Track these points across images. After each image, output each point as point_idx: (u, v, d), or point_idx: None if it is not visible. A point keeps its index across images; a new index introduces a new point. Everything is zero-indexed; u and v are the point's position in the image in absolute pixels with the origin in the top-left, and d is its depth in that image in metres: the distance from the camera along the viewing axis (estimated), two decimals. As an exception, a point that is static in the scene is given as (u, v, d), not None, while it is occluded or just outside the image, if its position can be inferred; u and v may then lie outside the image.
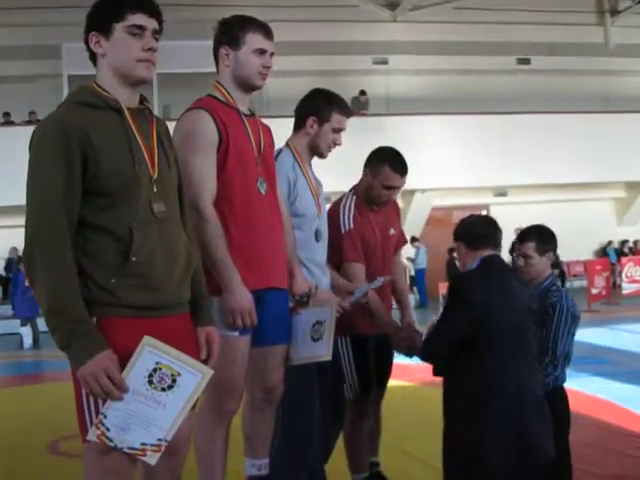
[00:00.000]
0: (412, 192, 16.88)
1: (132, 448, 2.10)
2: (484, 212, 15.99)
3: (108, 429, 2.07)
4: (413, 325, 3.81)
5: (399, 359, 3.77)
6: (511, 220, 12.98)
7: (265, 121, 3.09)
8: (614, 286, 16.38)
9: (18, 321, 13.36)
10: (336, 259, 3.61)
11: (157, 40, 2.25)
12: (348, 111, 3.42)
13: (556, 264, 13.57)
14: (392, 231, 3.92)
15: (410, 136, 15.03)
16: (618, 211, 20.47)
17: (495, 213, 15.80)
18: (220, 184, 2.79)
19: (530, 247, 3.50)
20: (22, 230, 2.13)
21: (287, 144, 3.37)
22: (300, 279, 3.07)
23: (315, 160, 3.41)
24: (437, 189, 17.34)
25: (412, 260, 17.34)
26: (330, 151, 3.40)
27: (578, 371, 6.80)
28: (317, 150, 3.36)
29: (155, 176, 2.23)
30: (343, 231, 3.67)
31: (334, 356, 3.27)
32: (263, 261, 2.85)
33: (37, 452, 5.30)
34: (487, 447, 2.90)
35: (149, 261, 2.18)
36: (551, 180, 17.66)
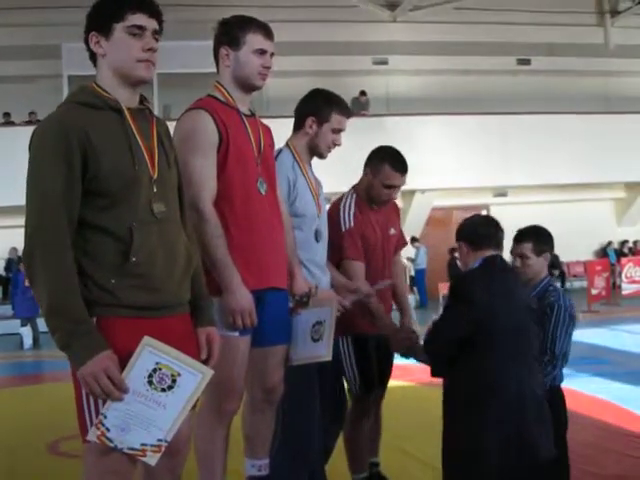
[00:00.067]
0: (412, 192, 16.88)
1: (132, 448, 2.10)
2: (484, 212, 15.97)
3: (108, 429, 2.08)
4: (412, 327, 3.80)
5: (399, 359, 3.77)
6: (511, 220, 12.98)
7: (265, 121, 3.09)
8: (614, 286, 16.37)
9: (18, 321, 13.35)
10: (336, 257, 3.60)
11: (157, 40, 2.25)
12: (348, 111, 3.41)
13: (556, 264, 13.59)
14: (392, 231, 3.92)
15: (410, 136, 15.02)
16: (618, 211, 20.46)
17: (495, 213, 15.66)
18: (220, 184, 2.79)
19: (527, 247, 3.50)
20: (22, 230, 2.13)
21: (287, 144, 3.37)
22: (300, 279, 3.07)
23: (315, 160, 3.41)
24: (437, 189, 17.33)
25: (412, 260, 17.34)
26: (330, 151, 3.40)
27: (578, 371, 6.81)
28: (316, 150, 3.36)
29: (155, 176, 2.23)
30: (343, 229, 3.66)
31: (334, 356, 3.27)
32: (263, 261, 2.85)
33: (37, 452, 5.30)
34: (487, 447, 2.90)
35: (149, 261, 2.18)
36: (551, 180, 17.67)
